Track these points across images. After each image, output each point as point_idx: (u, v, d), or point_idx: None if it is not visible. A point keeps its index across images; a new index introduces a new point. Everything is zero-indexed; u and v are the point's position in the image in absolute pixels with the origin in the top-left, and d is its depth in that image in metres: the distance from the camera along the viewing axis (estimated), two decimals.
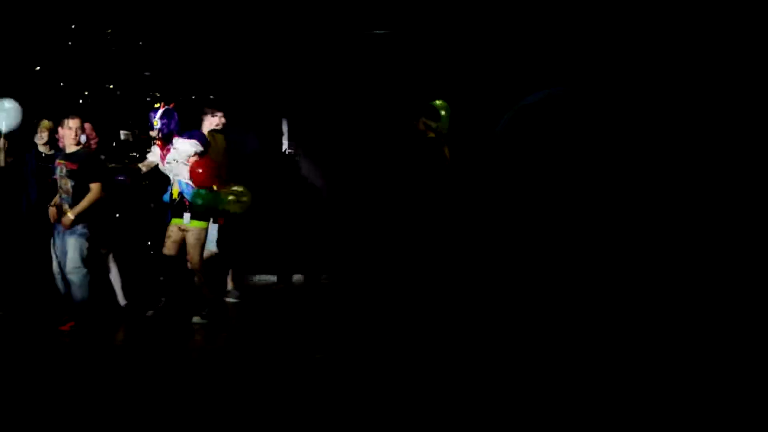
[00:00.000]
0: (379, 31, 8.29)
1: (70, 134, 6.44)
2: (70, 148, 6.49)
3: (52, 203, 6.53)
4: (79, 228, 6.41)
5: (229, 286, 7.58)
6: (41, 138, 6.90)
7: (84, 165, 6.44)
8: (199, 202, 6.57)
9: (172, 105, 6.64)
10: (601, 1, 7.95)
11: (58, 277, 6.55)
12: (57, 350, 5.89)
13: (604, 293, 7.11)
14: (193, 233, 6.65)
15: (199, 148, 6.64)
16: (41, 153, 6.95)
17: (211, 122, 7.19)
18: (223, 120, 7.21)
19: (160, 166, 6.78)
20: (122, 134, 7.17)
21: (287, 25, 8.23)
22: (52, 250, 6.54)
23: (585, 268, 7.64)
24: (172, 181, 6.75)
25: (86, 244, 6.44)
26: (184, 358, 5.72)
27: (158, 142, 6.68)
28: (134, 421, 4.10)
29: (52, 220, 6.51)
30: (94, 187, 6.45)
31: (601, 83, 8.00)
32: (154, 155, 6.82)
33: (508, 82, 8.37)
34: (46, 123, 6.91)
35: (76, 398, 4.55)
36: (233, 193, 6.64)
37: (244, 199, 6.68)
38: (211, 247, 7.17)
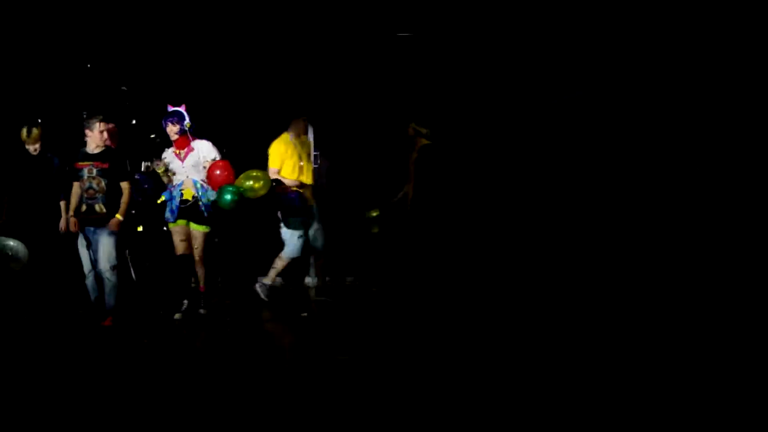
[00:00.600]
0: (403, 34, 8.32)
1: (102, 137, 6.50)
2: (96, 149, 6.55)
3: (71, 212, 6.55)
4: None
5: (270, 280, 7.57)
6: (35, 150, 6.86)
7: (115, 163, 6.54)
8: (228, 197, 6.69)
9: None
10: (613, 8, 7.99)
11: (90, 276, 6.58)
12: (95, 348, 5.91)
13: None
14: (201, 235, 6.89)
15: (218, 154, 6.90)
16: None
17: (298, 127, 7.43)
18: (306, 123, 7.51)
19: (179, 167, 6.90)
20: (144, 166, 7.26)
21: (312, 30, 8.26)
22: (83, 253, 6.58)
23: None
24: (182, 183, 6.87)
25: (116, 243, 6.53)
26: (200, 357, 5.76)
27: (182, 141, 6.83)
28: (157, 420, 4.11)
29: (73, 228, 6.54)
30: (126, 186, 6.55)
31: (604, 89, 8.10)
32: (168, 158, 6.97)
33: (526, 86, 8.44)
34: (36, 133, 6.84)
35: (113, 396, 4.57)
36: (252, 178, 6.87)
37: (258, 176, 6.91)
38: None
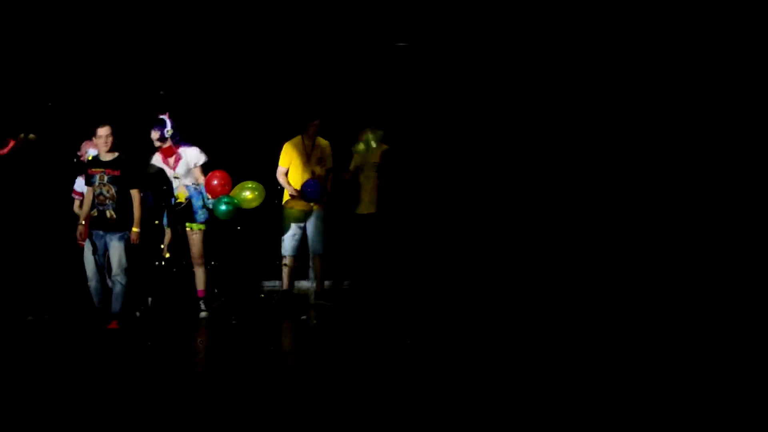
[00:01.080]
0: (401, 44, 8.43)
1: (103, 141, 6.60)
2: (106, 155, 6.66)
3: (82, 220, 6.66)
4: (122, 232, 6.65)
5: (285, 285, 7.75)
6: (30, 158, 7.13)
7: (126, 170, 6.66)
8: (223, 208, 6.92)
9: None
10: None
11: (93, 280, 6.66)
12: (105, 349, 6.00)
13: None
14: (198, 234, 7.12)
15: (206, 159, 7.14)
16: None
17: (311, 130, 7.63)
18: (317, 126, 7.65)
19: (170, 174, 7.14)
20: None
21: (315, 39, 8.37)
22: (88, 257, 6.66)
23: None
24: (175, 188, 7.13)
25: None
26: (202, 359, 5.86)
27: (167, 149, 7.04)
28: (160, 421, 4.20)
29: (81, 237, 6.67)
30: (136, 193, 6.68)
31: None
32: (156, 164, 7.17)
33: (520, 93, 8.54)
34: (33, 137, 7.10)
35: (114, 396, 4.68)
36: (248, 189, 7.11)
37: (253, 187, 7.13)
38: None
